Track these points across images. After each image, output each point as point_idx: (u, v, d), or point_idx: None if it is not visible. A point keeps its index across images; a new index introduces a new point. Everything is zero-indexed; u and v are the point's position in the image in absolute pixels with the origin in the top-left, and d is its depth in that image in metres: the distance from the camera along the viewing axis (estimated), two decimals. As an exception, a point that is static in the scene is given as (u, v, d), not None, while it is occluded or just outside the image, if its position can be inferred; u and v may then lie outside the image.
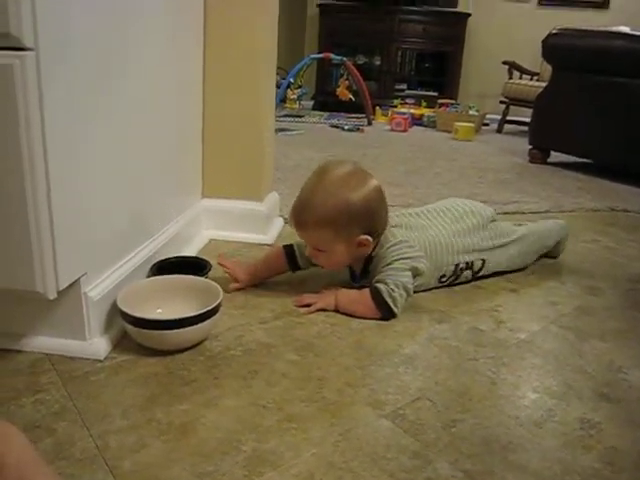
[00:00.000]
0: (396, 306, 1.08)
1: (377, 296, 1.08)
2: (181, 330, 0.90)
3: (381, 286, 1.08)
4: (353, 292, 1.11)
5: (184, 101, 1.32)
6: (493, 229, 1.31)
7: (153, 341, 0.91)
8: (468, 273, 1.28)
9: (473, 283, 1.31)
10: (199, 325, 0.92)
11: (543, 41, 2.86)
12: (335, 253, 1.11)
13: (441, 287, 1.27)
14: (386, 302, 1.08)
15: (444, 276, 1.24)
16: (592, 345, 1.06)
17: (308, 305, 1.10)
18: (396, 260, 1.12)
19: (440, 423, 0.79)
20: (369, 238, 1.10)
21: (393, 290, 1.08)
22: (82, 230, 0.87)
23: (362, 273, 1.19)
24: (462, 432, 0.78)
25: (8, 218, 0.76)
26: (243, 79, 1.41)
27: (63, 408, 0.77)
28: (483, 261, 1.29)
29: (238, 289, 1.18)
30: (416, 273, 1.15)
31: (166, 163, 1.22)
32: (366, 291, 1.10)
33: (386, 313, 1.08)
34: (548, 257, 1.51)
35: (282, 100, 4.39)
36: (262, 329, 1.03)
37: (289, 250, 1.22)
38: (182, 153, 1.34)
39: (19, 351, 0.90)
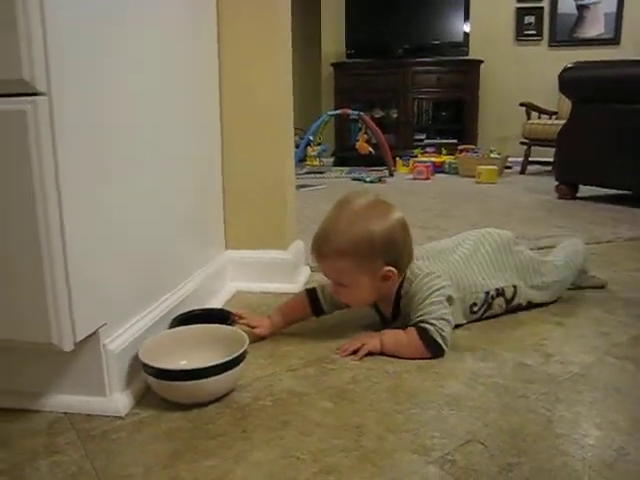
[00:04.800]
0: (446, 344, 1.06)
1: (426, 337, 1.05)
2: (206, 380, 0.87)
3: (428, 326, 1.06)
4: (399, 333, 1.09)
5: (202, 155, 1.33)
6: (518, 255, 1.28)
7: (176, 394, 0.89)
8: (501, 301, 1.24)
9: (512, 317, 1.26)
10: (225, 374, 0.89)
11: (560, 75, 2.86)
12: (359, 287, 1.08)
13: (476, 322, 1.22)
14: (437, 342, 1.05)
15: (475, 305, 1.20)
16: (654, 375, 0.98)
17: (354, 352, 1.07)
18: (431, 294, 1.09)
19: (495, 468, 0.73)
20: (394, 270, 1.07)
21: (442, 329, 1.06)
22: (100, 279, 0.85)
23: (393, 313, 1.16)
24: (521, 477, 0.71)
25: (22, 266, 0.75)
26: (260, 131, 1.43)
27: (81, 469, 0.74)
28: (515, 287, 1.25)
29: (261, 337, 1.15)
30: (450, 303, 1.12)
31: (185, 214, 1.22)
32: (412, 331, 1.07)
33: (437, 353, 1.06)
34: (592, 288, 1.45)
35: (301, 160, 4.46)
36: (292, 377, 1.00)
37: (312, 294, 1.21)
38: (201, 205, 1.34)
39: (37, 411, 0.87)
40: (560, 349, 1.10)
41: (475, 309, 1.21)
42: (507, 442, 0.79)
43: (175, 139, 1.14)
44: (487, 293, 1.21)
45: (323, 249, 1.07)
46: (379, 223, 1.05)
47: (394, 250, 1.07)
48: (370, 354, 1.07)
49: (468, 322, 1.21)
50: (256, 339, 1.14)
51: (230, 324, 1.11)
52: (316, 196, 3.21)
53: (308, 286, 1.24)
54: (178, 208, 1.18)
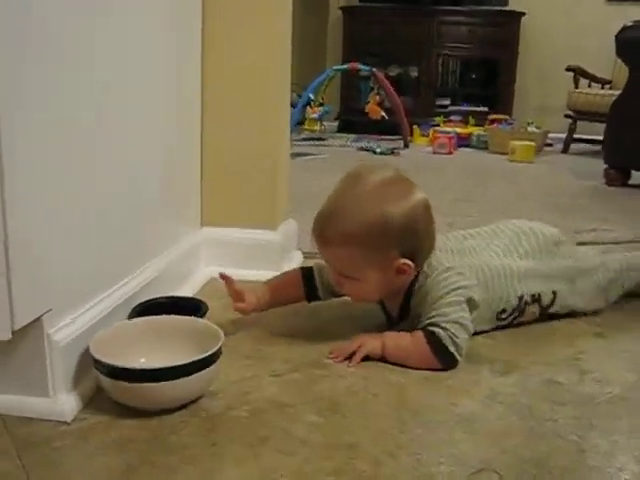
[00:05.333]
0: (460, 354, 1.07)
1: (436, 343, 1.06)
2: (170, 383, 0.87)
3: (439, 330, 1.06)
4: (404, 336, 1.09)
5: (176, 115, 1.33)
6: (563, 254, 1.29)
7: (134, 397, 0.89)
8: (535, 308, 1.24)
9: (545, 325, 1.27)
10: (193, 376, 0.89)
11: (617, 36, 2.85)
12: (366, 281, 1.09)
13: (501, 328, 1.23)
14: (448, 350, 1.05)
15: (504, 311, 1.21)
16: None
17: (350, 357, 1.08)
18: (448, 293, 1.09)
19: (512, 503, 0.74)
20: (410, 263, 1.07)
21: (455, 335, 1.06)
22: (45, 257, 0.85)
23: (401, 312, 1.16)
24: (543, 515, 0.71)
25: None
26: (248, 88, 1.45)
27: (15, 483, 0.74)
28: (554, 293, 1.25)
29: (243, 311, 1.18)
30: (471, 306, 1.12)
31: (152, 183, 1.23)
32: (419, 335, 1.07)
33: (448, 363, 1.06)
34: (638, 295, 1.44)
35: (299, 123, 4.45)
36: (275, 383, 1.00)
37: (307, 273, 1.22)
38: (173, 173, 1.35)
39: (-36, 412, 0.88)
40: (599, 365, 1.10)
41: (503, 316, 1.22)
42: (528, 473, 0.79)
43: (143, 97, 1.14)
44: (520, 298, 1.21)
45: (327, 232, 1.07)
46: (397, 205, 1.05)
47: (413, 239, 1.07)
48: (368, 359, 1.08)
49: (492, 329, 1.22)
50: (236, 310, 1.16)
51: (201, 316, 1.12)
52: (315, 167, 3.20)
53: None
54: (144, 177, 1.18)
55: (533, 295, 1.22)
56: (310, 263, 1.26)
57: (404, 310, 1.16)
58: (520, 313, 1.23)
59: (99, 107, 0.99)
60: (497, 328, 1.22)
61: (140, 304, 1.12)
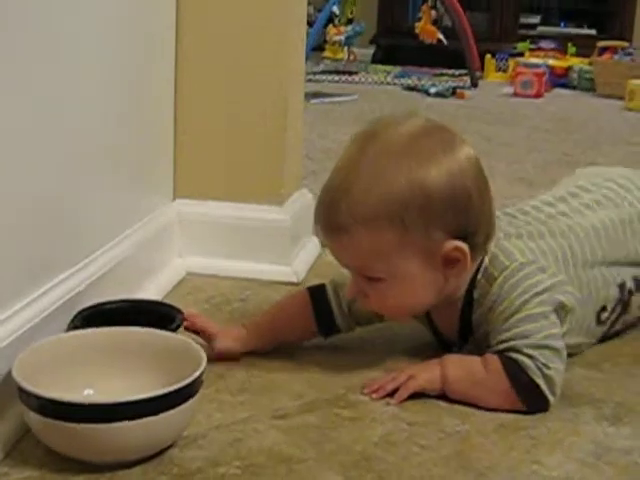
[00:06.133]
0: (553, 392, 1.06)
1: (518, 375, 1.06)
2: (127, 424, 0.87)
3: (523, 358, 1.06)
4: (472, 361, 1.10)
5: (138, 46, 1.35)
6: None
7: (76, 444, 0.89)
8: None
9: None
10: (161, 416, 0.89)
11: None
12: (402, 281, 1.09)
13: (603, 341, 1.26)
14: (537, 387, 1.05)
15: (604, 309, 1.23)
16: None
17: (391, 394, 1.09)
18: (527, 301, 1.09)
19: None
20: (463, 247, 1.07)
21: (546, 366, 1.05)
22: None
23: (461, 332, 1.17)
24: None
25: None
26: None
27: None
28: None
29: (227, 357, 1.18)
30: (564, 314, 1.13)
31: (103, 142, 1.25)
32: (494, 361, 1.08)
33: (536, 404, 1.07)
34: None
35: (318, 47, 4.45)
36: (279, 429, 1.00)
37: (319, 295, 1.23)
38: (133, 126, 1.37)
39: None
40: None
41: (604, 316, 1.23)
42: None
43: (95, 31, 1.17)
44: (621, 286, 1.23)
45: (337, 216, 1.07)
46: (436, 166, 1.05)
47: (463, 212, 1.07)
48: (417, 395, 1.08)
49: (591, 343, 1.24)
50: (217, 359, 1.15)
51: (174, 329, 1.12)
52: (340, 114, 3.19)
53: (315, 271, 1.25)
54: (92, 134, 1.20)
55: (636, 278, 1.24)
56: (328, 256, 1.25)
57: (464, 330, 1.17)
58: (624, 308, 1.25)
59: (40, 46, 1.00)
60: (601, 341, 1.25)
61: (87, 308, 1.12)
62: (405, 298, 1.11)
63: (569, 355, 1.15)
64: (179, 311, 1.18)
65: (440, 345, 1.21)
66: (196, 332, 1.18)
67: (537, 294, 1.09)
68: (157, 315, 1.16)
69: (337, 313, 1.21)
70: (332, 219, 1.08)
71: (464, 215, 1.07)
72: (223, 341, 1.17)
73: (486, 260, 1.12)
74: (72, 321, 1.10)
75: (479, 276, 1.13)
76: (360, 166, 1.07)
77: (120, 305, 1.18)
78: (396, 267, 1.07)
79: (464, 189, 1.06)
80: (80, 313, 1.11)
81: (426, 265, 1.08)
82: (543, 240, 1.18)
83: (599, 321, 1.22)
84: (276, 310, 1.25)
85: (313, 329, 1.22)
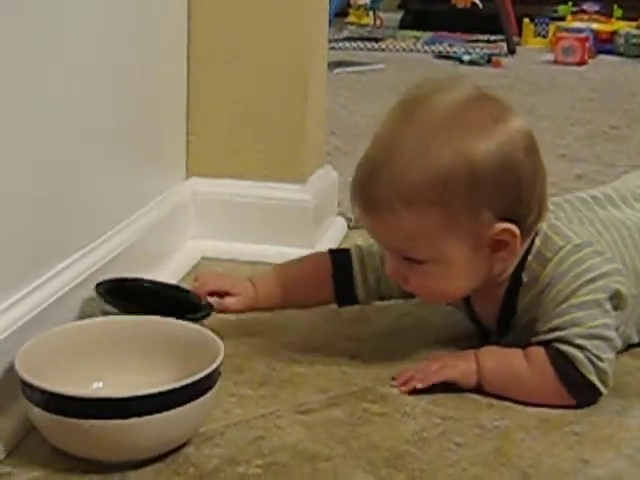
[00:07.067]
0: (605, 383, 1.05)
1: (567, 368, 1.05)
2: (140, 421, 0.87)
3: (572, 350, 1.05)
4: (513, 354, 1.10)
5: (144, 13, 1.36)
6: None
7: (84, 442, 0.89)
8: None
9: None
10: (176, 411, 0.89)
11: None
12: (445, 265, 1.08)
13: None
14: (587, 379, 1.04)
15: None
16: None
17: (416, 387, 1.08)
18: (581, 286, 1.08)
19: None
20: (513, 229, 1.06)
21: (598, 357, 1.04)
22: None
23: (502, 320, 1.16)
24: None
25: None
26: None
27: None
28: None
29: (230, 309, 1.21)
30: (619, 304, 1.11)
31: (109, 119, 1.25)
32: (539, 354, 1.07)
33: (587, 397, 1.06)
34: None
35: (341, 13, 4.45)
36: (302, 425, 1.00)
37: (342, 262, 1.23)
38: (140, 97, 1.36)
39: None
40: None
41: None
42: None
43: (103, 7, 1.20)
44: None
45: (376, 192, 1.05)
46: (487, 139, 1.04)
47: (514, 190, 1.06)
48: (452, 388, 1.07)
49: None
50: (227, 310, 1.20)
51: (199, 319, 1.13)
52: (366, 85, 3.22)
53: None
54: (100, 111, 1.21)
55: None
56: (356, 235, 1.24)
57: (506, 317, 1.15)
58: None
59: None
60: None
61: (105, 282, 1.14)
62: (447, 283, 1.10)
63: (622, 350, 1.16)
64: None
65: (480, 335, 1.21)
66: (207, 291, 1.21)
67: (593, 280, 1.08)
68: (179, 301, 1.18)
69: (360, 284, 1.22)
70: (370, 194, 1.07)
71: (515, 194, 1.06)
72: (235, 296, 1.20)
73: (537, 241, 1.12)
74: (99, 296, 1.12)
75: (529, 258, 1.12)
76: (402, 137, 1.06)
77: (143, 285, 1.20)
78: (439, 250, 1.07)
79: (516, 165, 1.06)
80: (100, 285, 1.13)
81: (472, 248, 1.07)
82: (594, 228, 1.17)
83: None
84: (290, 270, 1.26)
85: (328, 296, 1.24)
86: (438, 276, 1.09)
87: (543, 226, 1.12)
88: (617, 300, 1.10)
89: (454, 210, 1.04)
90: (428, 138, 1.04)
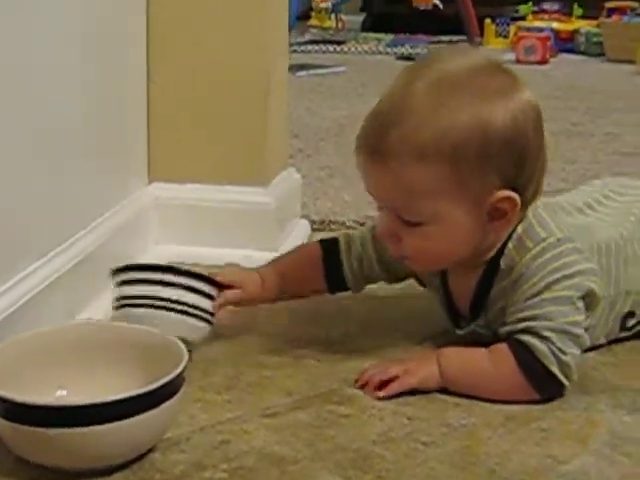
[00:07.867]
0: (568, 377, 1.06)
1: (529, 360, 1.06)
2: (103, 428, 0.87)
3: (535, 341, 1.06)
4: (475, 352, 1.11)
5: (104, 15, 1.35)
6: None
7: (47, 450, 0.88)
8: None
9: None
10: (140, 417, 0.88)
11: None
12: (444, 228, 1.08)
13: (622, 340, 1.24)
14: (549, 371, 1.05)
15: (631, 315, 1.22)
16: None
17: (382, 385, 1.08)
18: (557, 281, 1.08)
19: None
20: (515, 197, 1.07)
21: (561, 350, 1.05)
22: None
23: (475, 304, 1.16)
24: None
25: None
26: None
27: None
28: None
29: (242, 303, 1.23)
30: (590, 303, 1.12)
31: (64, 118, 1.23)
32: (502, 350, 1.08)
33: (549, 390, 1.07)
34: None
35: (303, 16, 4.47)
36: (269, 428, 1.00)
37: (331, 248, 1.25)
38: (101, 103, 1.35)
39: None
40: None
41: (630, 323, 1.23)
42: None
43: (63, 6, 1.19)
44: None
45: (384, 142, 1.05)
46: (502, 105, 1.05)
47: (520, 159, 1.07)
48: (413, 392, 1.07)
49: (609, 342, 1.23)
50: (244, 303, 1.23)
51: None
52: (328, 87, 3.22)
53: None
54: (59, 115, 1.20)
55: None
56: (322, 237, 1.25)
57: (479, 302, 1.16)
58: None
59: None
60: (618, 340, 1.23)
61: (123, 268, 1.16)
62: (442, 246, 1.10)
63: (589, 349, 1.17)
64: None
65: (451, 320, 1.21)
66: (223, 283, 1.20)
67: (569, 276, 1.09)
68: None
69: (347, 269, 1.24)
70: (378, 144, 1.06)
71: (520, 163, 1.08)
72: (248, 286, 1.22)
73: (519, 228, 1.12)
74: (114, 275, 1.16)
75: (510, 245, 1.12)
76: (417, 93, 1.06)
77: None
78: (441, 210, 1.07)
79: (525, 134, 1.07)
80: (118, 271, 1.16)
81: (471, 213, 1.08)
82: (575, 220, 1.20)
83: (623, 327, 1.22)
84: (284, 260, 1.29)
85: (322, 284, 1.26)
86: (433, 237, 1.08)
87: (529, 214, 1.12)
88: (590, 299, 1.11)
89: (462, 171, 1.05)
90: (445, 98, 1.05)
